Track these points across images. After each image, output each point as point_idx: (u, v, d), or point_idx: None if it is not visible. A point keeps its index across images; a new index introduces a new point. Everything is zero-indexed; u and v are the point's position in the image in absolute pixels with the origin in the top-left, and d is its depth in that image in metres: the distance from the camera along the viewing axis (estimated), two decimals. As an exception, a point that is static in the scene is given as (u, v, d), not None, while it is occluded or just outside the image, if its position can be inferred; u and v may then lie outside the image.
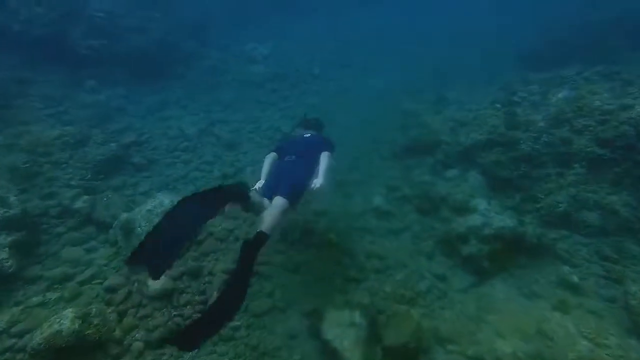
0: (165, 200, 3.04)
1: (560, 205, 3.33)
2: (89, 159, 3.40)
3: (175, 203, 1.71)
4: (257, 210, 2.28)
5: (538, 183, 3.54)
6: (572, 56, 5.77)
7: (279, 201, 2.30)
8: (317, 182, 2.50)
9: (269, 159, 2.80)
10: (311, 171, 2.64)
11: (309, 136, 3.12)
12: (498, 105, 4.18)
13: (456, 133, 4.21)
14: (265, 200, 2.36)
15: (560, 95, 3.91)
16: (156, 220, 2.47)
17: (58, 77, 4.62)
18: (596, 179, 3.31)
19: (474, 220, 3.23)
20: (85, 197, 2.98)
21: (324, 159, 2.68)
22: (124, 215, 2.87)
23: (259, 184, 2.56)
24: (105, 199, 3.06)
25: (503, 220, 3.20)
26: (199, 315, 2.29)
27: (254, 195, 2.23)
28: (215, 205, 1.86)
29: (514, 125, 3.84)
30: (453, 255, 3.29)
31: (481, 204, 3.38)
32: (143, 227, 2.80)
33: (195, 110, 5.17)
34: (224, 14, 7.18)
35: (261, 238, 2.00)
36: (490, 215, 3.27)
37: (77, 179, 3.20)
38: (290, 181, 2.48)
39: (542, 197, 3.47)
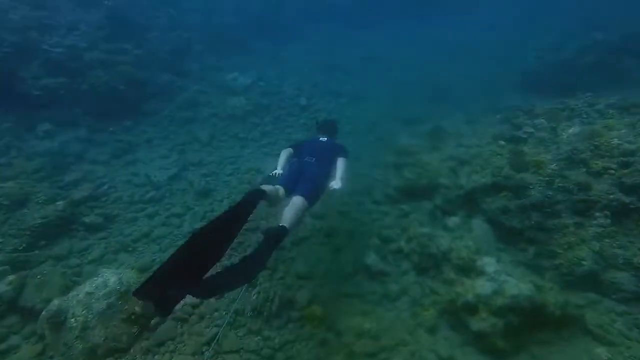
0: (112, 279, 2.55)
1: (584, 262, 2.87)
2: (27, 224, 2.94)
3: (189, 237, 1.59)
4: (274, 201, 2.43)
5: (554, 235, 3.10)
6: (580, 78, 5.55)
7: (298, 200, 2.48)
8: (335, 184, 2.75)
9: (286, 153, 3.07)
10: (328, 175, 2.90)
11: (326, 140, 3.34)
12: (502, 142, 3.79)
13: (456, 174, 3.80)
14: (281, 189, 2.55)
15: (571, 130, 3.53)
16: (97, 305, 2.32)
17: (4, 122, 4.21)
18: (624, 231, 2.85)
19: (483, 287, 2.75)
20: (11, 277, 2.49)
21: (341, 163, 2.96)
22: (55, 302, 2.37)
23: (277, 171, 2.83)
24: (39, 276, 2.58)
25: (517, 287, 2.73)
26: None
27: (270, 191, 2.36)
28: (237, 226, 1.87)
29: (521, 167, 3.43)
30: (461, 329, 2.78)
31: (490, 264, 2.92)
32: (78, 318, 2.30)
33: (167, 151, 4.79)
34: (205, 41, 6.93)
35: (283, 231, 2.16)
36: (501, 278, 2.80)
37: (6, 251, 2.72)
38: (311, 183, 2.70)
39: (561, 252, 3.02)
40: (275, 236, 2.07)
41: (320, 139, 3.38)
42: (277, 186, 2.57)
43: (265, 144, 5.16)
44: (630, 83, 5.37)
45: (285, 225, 2.21)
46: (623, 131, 3.26)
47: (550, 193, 3.15)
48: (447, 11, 11.91)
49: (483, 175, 3.57)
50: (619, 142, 3.11)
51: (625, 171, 2.93)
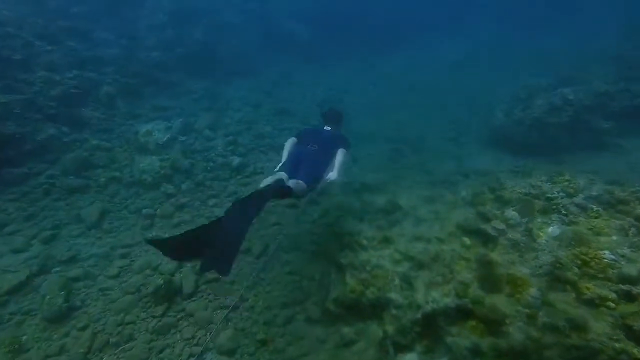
0: None
1: None
2: None
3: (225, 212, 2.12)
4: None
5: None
6: (554, 140, 5.24)
7: (299, 184, 2.86)
8: (332, 175, 3.23)
9: (290, 143, 3.51)
10: (328, 163, 3.29)
11: (329, 130, 3.71)
12: (467, 241, 3.03)
13: (411, 285, 2.97)
14: (284, 175, 2.94)
15: (550, 231, 2.88)
16: None
17: None
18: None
19: None
20: None
21: (340, 155, 3.37)
22: None
23: (280, 167, 3.18)
24: None
25: None
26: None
27: (271, 181, 2.77)
28: (259, 206, 2.34)
29: (492, 285, 2.66)
30: None
31: None
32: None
33: (25, 241, 3.56)
34: (119, 81, 5.94)
35: (288, 189, 2.71)
36: None
37: None
38: (311, 169, 3.09)
39: None
40: (280, 188, 2.59)
41: (325, 128, 3.79)
42: (280, 172, 2.96)
43: (177, 222, 4.11)
44: (606, 148, 5.10)
45: (291, 186, 2.70)
46: (614, 238, 2.64)
47: (535, 334, 2.36)
48: (405, 46, 11.95)
49: (445, 293, 2.77)
50: (612, 258, 2.45)
51: (631, 308, 2.21)
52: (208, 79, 7.79)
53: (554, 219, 2.98)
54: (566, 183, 3.32)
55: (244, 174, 5.21)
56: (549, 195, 3.24)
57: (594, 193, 3.01)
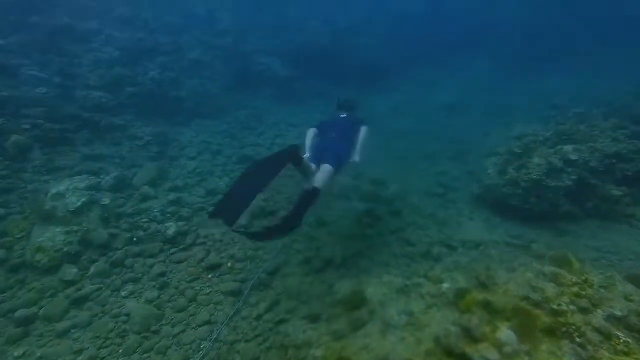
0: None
1: None
2: None
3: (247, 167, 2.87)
4: (306, 172, 3.32)
5: None
6: (554, 207, 4.71)
7: (327, 167, 3.40)
8: (355, 157, 3.82)
9: (311, 134, 3.99)
10: (350, 146, 3.87)
11: (345, 116, 4.37)
12: (448, 381, 2.27)
13: None
14: (313, 165, 3.41)
15: (562, 372, 2.11)
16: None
17: None
18: None
19: None
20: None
21: (362, 132, 4.01)
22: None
23: (306, 155, 3.65)
24: None
25: None
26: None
27: (305, 159, 3.26)
28: (277, 165, 2.83)
29: None
30: None
31: None
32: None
33: None
34: (42, 128, 5.24)
35: (316, 191, 3.09)
36: None
37: None
38: (335, 153, 3.59)
39: None
40: (310, 196, 3.02)
41: (341, 115, 4.36)
42: (311, 163, 3.44)
43: (65, 328, 3.18)
44: (617, 219, 4.61)
45: (317, 186, 3.14)
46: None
47: None
48: (394, 84, 11.77)
49: None
50: None
51: None
52: (163, 121, 7.21)
53: (565, 349, 2.28)
54: (576, 288, 2.68)
55: (180, 246, 4.43)
56: (555, 306, 2.57)
57: (618, 313, 2.35)
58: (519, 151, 5.40)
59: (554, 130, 5.52)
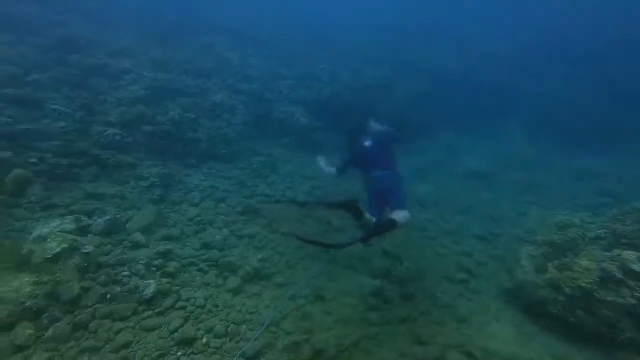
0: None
1: None
2: None
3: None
4: (363, 224, 3.69)
5: None
6: (612, 327, 3.93)
7: (404, 214, 3.85)
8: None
9: (330, 172, 5.03)
10: (396, 168, 4.40)
11: (371, 142, 4.48)
12: None
13: None
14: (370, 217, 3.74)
15: None
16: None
17: None
18: None
19: None
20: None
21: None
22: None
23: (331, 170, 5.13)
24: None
25: None
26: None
27: (365, 215, 3.65)
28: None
29: None
30: None
31: None
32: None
33: None
34: (45, 169, 5.28)
35: (392, 223, 3.54)
36: None
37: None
38: (399, 193, 4.05)
39: None
40: (388, 225, 3.49)
41: (365, 144, 4.51)
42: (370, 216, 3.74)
43: None
44: None
45: (397, 220, 3.57)
46: None
47: None
48: (420, 143, 11.50)
49: None
50: None
51: None
52: (174, 162, 7.25)
53: None
54: None
55: (156, 308, 4.06)
56: None
57: None
58: (560, 242, 4.78)
59: (609, 227, 4.77)
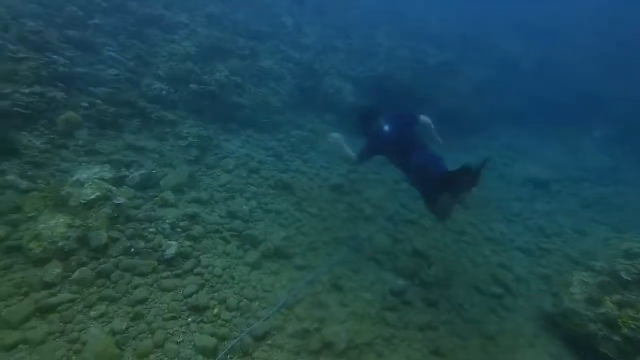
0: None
1: None
2: None
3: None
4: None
5: None
6: None
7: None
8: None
9: (350, 156, 4.67)
10: (428, 146, 4.01)
11: (390, 127, 4.12)
12: None
13: None
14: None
15: None
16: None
17: None
18: None
19: None
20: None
21: (427, 125, 4.40)
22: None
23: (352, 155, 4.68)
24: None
25: None
26: None
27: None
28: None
29: None
30: None
31: None
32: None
33: None
34: (103, 104, 5.47)
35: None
36: None
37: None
38: (439, 164, 3.76)
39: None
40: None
41: (385, 129, 4.13)
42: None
43: (17, 341, 2.99)
44: None
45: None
46: None
47: None
48: (475, 138, 10.60)
49: None
50: None
51: None
52: (215, 125, 7.28)
53: None
54: None
55: (175, 270, 4.15)
56: None
57: None
58: (628, 278, 4.17)
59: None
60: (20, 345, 2.92)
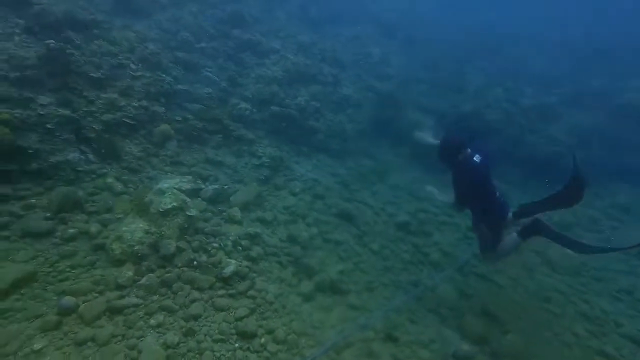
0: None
1: None
2: None
3: None
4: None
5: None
6: None
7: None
8: None
9: (446, 201, 4.36)
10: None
11: (479, 157, 3.95)
12: None
13: None
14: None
15: None
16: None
17: None
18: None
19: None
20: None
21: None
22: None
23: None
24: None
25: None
26: None
27: None
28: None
29: None
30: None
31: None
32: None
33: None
34: (194, 119, 6.01)
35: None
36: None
37: None
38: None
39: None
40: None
41: (475, 159, 3.90)
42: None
43: (87, 338, 3.21)
44: None
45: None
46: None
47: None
48: None
49: None
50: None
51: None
52: (288, 147, 7.52)
53: None
54: None
55: (231, 290, 4.20)
56: None
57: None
58: None
59: None
60: (88, 343, 3.16)
